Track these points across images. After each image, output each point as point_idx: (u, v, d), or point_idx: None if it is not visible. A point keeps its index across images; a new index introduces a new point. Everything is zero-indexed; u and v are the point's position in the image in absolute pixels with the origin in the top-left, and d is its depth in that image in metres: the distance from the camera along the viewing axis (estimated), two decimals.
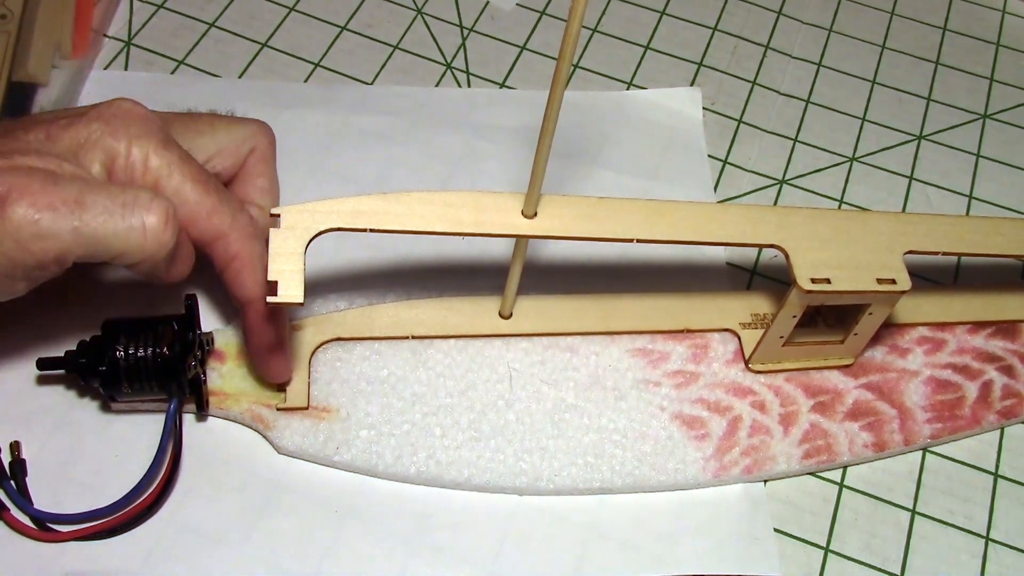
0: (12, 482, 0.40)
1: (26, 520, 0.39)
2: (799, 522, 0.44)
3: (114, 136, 0.37)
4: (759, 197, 0.54)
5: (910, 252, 0.42)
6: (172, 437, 0.40)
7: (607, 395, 0.44)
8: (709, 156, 0.55)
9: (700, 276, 0.50)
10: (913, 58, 0.61)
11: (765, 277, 0.51)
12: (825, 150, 0.56)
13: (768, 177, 0.55)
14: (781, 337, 0.44)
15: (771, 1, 0.63)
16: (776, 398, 0.45)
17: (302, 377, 0.43)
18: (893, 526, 0.44)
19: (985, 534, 0.44)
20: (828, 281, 0.40)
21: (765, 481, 0.44)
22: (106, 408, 0.42)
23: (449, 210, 0.38)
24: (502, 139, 0.53)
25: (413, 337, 0.45)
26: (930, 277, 0.51)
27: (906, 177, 0.56)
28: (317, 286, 0.46)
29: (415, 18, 0.59)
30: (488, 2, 0.60)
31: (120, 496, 0.40)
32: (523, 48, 0.58)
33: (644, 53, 0.59)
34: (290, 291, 0.35)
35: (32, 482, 0.40)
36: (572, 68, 0.57)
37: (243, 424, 0.43)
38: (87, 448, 0.42)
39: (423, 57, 0.57)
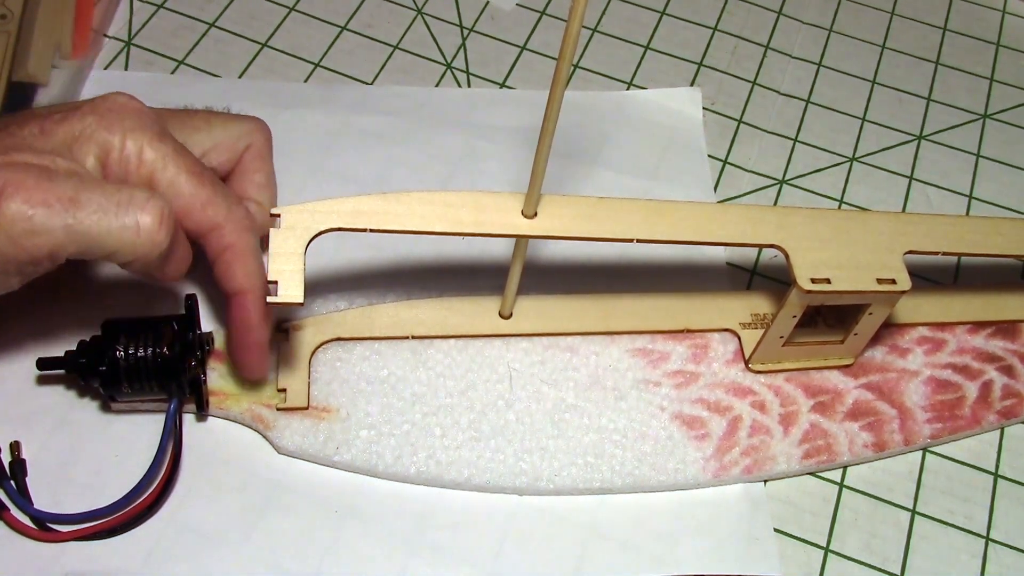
0: (12, 482, 0.40)
1: (26, 520, 0.39)
2: (799, 522, 0.44)
3: (109, 129, 0.37)
4: (759, 197, 0.54)
5: (910, 252, 0.42)
6: (172, 437, 0.40)
7: (607, 395, 0.44)
8: (709, 156, 0.55)
9: (700, 276, 0.50)
10: (913, 58, 0.61)
11: (765, 277, 0.51)
12: (825, 150, 0.56)
13: (768, 177, 0.55)
14: (781, 337, 0.44)
15: (771, 1, 0.63)
16: (776, 398, 0.45)
17: (302, 377, 0.43)
18: (893, 526, 0.44)
19: (985, 534, 0.44)
20: (828, 281, 0.40)
21: (765, 481, 0.44)
22: (106, 408, 0.42)
23: (449, 210, 0.38)
24: (502, 139, 0.53)
25: (413, 337, 0.45)
26: (930, 277, 0.52)
27: (906, 177, 0.56)
28: (317, 286, 0.46)
29: (415, 18, 0.59)
30: (488, 2, 0.60)
31: (120, 496, 0.40)
32: (523, 48, 0.58)
33: (644, 53, 0.59)
34: (290, 291, 0.35)
35: (32, 482, 0.40)
36: (572, 68, 0.57)
37: (243, 424, 0.43)
38: (87, 448, 0.42)
39: (423, 57, 0.57)
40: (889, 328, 0.47)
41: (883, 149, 0.57)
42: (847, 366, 0.46)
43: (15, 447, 0.41)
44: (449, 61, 0.57)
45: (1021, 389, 0.47)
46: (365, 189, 0.46)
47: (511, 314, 0.45)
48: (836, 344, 0.45)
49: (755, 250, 0.51)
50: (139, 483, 0.40)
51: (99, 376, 0.39)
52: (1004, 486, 0.46)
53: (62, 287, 0.45)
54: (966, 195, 0.55)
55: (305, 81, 0.55)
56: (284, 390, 0.42)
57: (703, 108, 0.57)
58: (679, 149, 0.54)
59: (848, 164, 0.56)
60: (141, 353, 0.39)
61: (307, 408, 0.42)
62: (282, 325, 0.44)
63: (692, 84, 0.58)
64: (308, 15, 0.58)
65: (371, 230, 0.37)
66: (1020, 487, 0.46)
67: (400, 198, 0.38)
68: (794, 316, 0.42)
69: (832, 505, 0.44)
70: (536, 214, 0.39)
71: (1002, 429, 0.47)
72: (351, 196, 0.38)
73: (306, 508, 0.41)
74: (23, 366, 0.43)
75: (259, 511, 0.41)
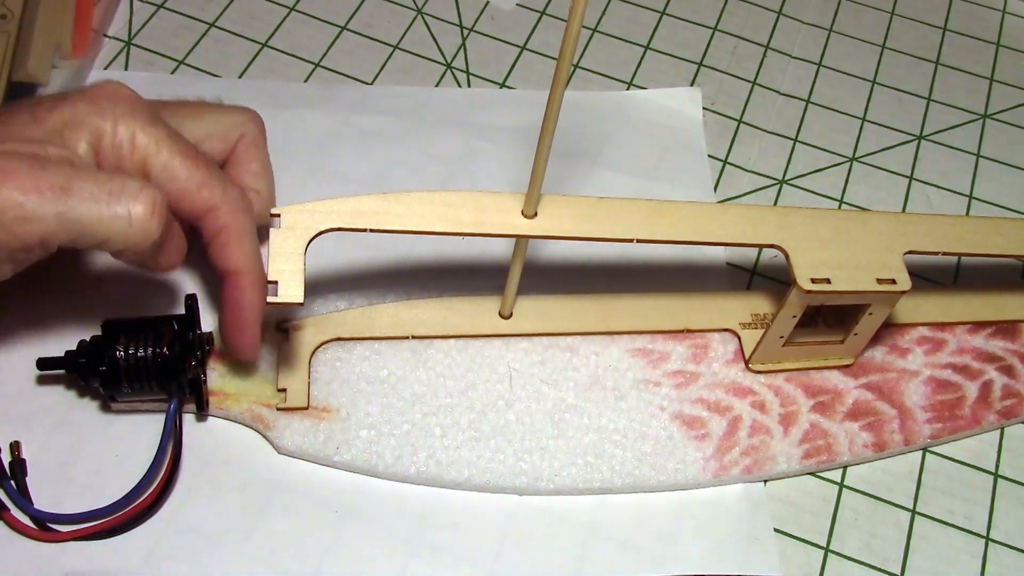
0: (12, 482, 0.40)
1: (26, 520, 0.39)
2: (799, 522, 0.44)
3: (100, 115, 0.37)
4: (759, 197, 0.54)
5: (910, 252, 0.42)
6: (172, 437, 0.40)
7: (607, 395, 0.44)
8: (709, 156, 0.55)
9: (700, 276, 0.50)
10: (913, 58, 0.61)
11: (765, 277, 0.51)
12: (825, 150, 0.56)
13: (768, 177, 0.55)
14: (781, 337, 0.44)
15: (771, 1, 0.63)
16: (776, 398, 0.45)
17: (302, 377, 0.43)
18: (893, 526, 0.44)
19: (985, 534, 0.44)
20: (828, 281, 0.40)
21: (765, 481, 0.44)
22: (106, 408, 0.42)
23: (449, 210, 0.38)
24: (502, 139, 0.53)
25: (413, 337, 0.45)
26: (930, 277, 0.52)
27: (906, 177, 0.56)
28: (317, 286, 0.46)
29: (415, 18, 0.59)
30: (488, 2, 0.60)
31: (120, 496, 0.40)
32: (523, 48, 0.58)
33: (644, 53, 0.59)
34: (290, 291, 0.35)
35: (32, 482, 0.40)
36: (572, 68, 0.57)
37: (243, 424, 0.43)
38: (87, 448, 0.42)
39: (423, 57, 0.57)
40: (889, 328, 0.47)
41: (883, 149, 0.57)
42: (847, 366, 0.46)
43: (15, 447, 0.41)
44: (449, 61, 0.57)
45: (1021, 389, 0.47)
46: (365, 189, 0.46)
47: (511, 314, 0.45)
48: (836, 344, 0.45)
49: (755, 250, 0.51)
50: (139, 483, 0.40)
51: (99, 376, 0.39)
52: (1004, 486, 0.46)
53: (62, 287, 0.45)
54: (966, 195, 0.55)
55: (305, 81, 0.55)
56: (284, 390, 0.42)
57: (703, 108, 0.57)
58: (679, 149, 0.54)
59: (848, 164, 0.56)
60: (141, 353, 0.39)
61: (307, 408, 0.42)
62: (282, 325, 0.44)
63: (692, 84, 0.58)
64: (308, 15, 0.58)
65: (371, 230, 0.37)
66: (1020, 487, 0.46)
67: (400, 198, 0.38)
68: (794, 316, 0.42)
69: (832, 505, 0.44)
70: (536, 214, 0.39)
71: (1002, 429, 0.47)
72: (351, 196, 0.38)
73: (306, 508, 0.41)
74: (23, 366, 0.43)
75: (259, 511, 0.41)
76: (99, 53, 0.54)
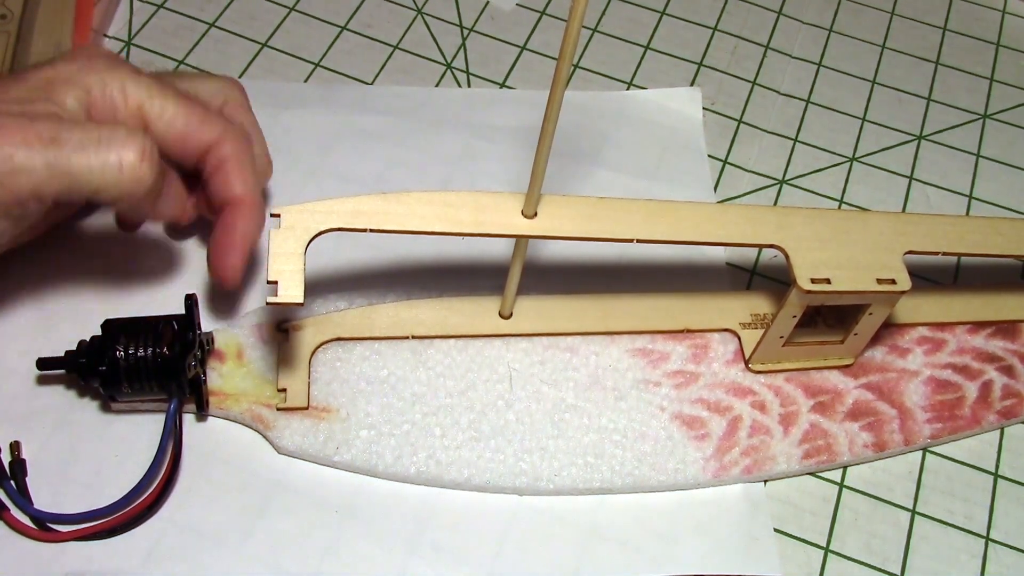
0: (12, 482, 0.40)
1: (26, 520, 0.39)
2: (799, 522, 0.44)
3: (85, 72, 0.37)
4: (759, 197, 0.54)
5: (910, 252, 0.42)
6: (172, 437, 0.40)
7: (607, 395, 0.44)
8: (709, 156, 0.55)
9: (700, 276, 0.50)
10: (913, 58, 0.61)
11: (765, 277, 0.51)
12: (825, 150, 0.56)
13: (768, 177, 0.55)
14: (781, 337, 0.44)
15: (771, 1, 0.63)
16: (776, 398, 0.45)
17: (302, 377, 0.43)
18: (893, 526, 0.44)
19: (985, 534, 0.44)
20: (828, 281, 0.40)
21: (765, 481, 0.44)
22: (106, 408, 0.42)
23: (449, 210, 0.38)
24: (502, 139, 0.53)
25: (413, 337, 0.45)
26: (930, 277, 0.52)
27: (906, 177, 0.56)
28: (317, 286, 0.46)
29: (415, 18, 0.59)
30: (488, 2, 0.60)
31: (120, 496, 0.40)
32: (523, 48, 0.58)
33: (644, 53, 0.59)
34: (290, 291, 0.35)
35: (32, 482, 0.40)
36: (572, 68, 0.57)
37: (243, 424, 0.43)
38: (87, 448, 0.42)
39: (423, 57, 0.57)
40: (889, 328, 0.47)
41: (883, 149, 0.57)
42: (847, 366, 0.46)
43: (15, 447, 0.41)
44: (449, 61, 0.57)
45: (1021, 389, 0.47)
46: (365, 189, 0.46)
47: (511, 314, 0.45)
48: (836, 344, 0.45)
49: (755, 250, 0.51)
50: (139, 483, 0.40)
51: (99, 376, 0.39)
52: (1004, 486, 0.46)
53: (62, 287, 0.45)
54: (966, 195, 0.55)
55: (305, 81, 0.55)
56: (284, 390, 0.42)
57: (703, 108, 0.57)
58: (679, 149, 0.54)
59: (848, 164, 0.56)
60: (141, 353, 0.39)
61: (307, 408, 0.42)
62: (282, 325, 0.44)
63: (692, 84, 0.58)
64: (308, 15, 0.58)
65: (371, 230, 0.37)
66: (1020, 487, 0.46)
67: (400, 198, 0.38)
68: (794, 316, 0.42)
69: (832, 505, 0.44)
70: (536, 214, 0.39)
71: (1002, 429, 0.47)
72: (351, 196, 0.38)
73: (306, 508, 0.41)
74: (23, 366, 0.43)
75: (259, 511, 0.41)
76: None
